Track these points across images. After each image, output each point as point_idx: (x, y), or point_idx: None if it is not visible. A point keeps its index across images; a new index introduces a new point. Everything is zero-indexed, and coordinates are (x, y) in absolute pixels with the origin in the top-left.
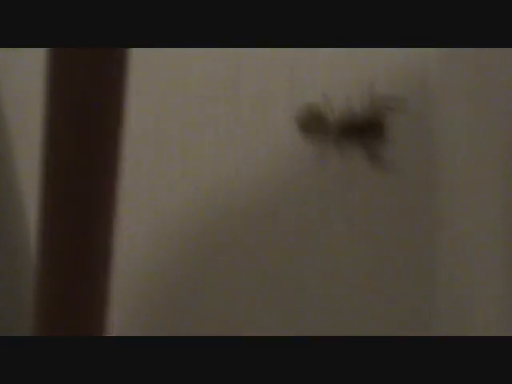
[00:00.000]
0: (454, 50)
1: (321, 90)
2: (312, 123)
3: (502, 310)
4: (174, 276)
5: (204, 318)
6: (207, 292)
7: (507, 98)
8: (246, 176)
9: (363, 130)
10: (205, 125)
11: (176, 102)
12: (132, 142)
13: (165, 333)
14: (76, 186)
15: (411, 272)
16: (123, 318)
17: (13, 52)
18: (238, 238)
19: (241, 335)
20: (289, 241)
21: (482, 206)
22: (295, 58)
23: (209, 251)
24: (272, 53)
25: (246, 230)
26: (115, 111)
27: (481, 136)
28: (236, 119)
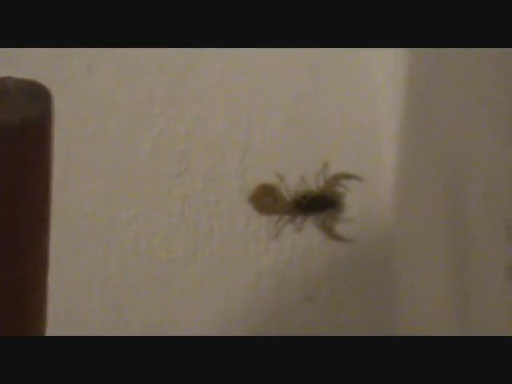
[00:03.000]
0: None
1: (274, 169)
2: (267, 203)
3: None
4: None
5: None
6: None
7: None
8: (200, 259)
9: (318, 207)
10: (157, 207)
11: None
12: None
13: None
14: None
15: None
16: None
17: None
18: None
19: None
20: (245, 319)
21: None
22: (247, 140)
23: None
24: (223, 134)
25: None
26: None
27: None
28: (188, 202)
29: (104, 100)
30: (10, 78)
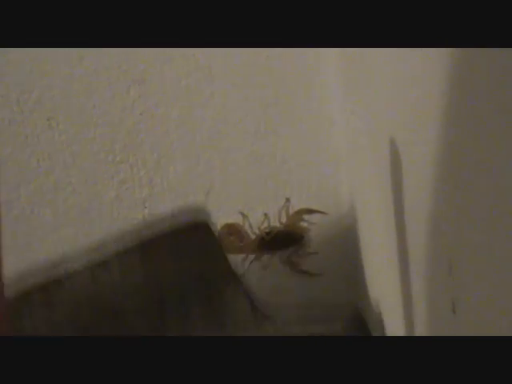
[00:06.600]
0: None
1: (237, 208)
2: (233, 242)
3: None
4: None
5: None
6: None
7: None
8: None
9: (283, 242)
10: None
11: None
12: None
13: None
14: None
15: None
16: None
17: None
18: None
19: None
20: None
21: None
22: (208, 181)
23: None
24: (184, 177)
25: None
26: None
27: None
28: None
29: (65, 151)
30: None
